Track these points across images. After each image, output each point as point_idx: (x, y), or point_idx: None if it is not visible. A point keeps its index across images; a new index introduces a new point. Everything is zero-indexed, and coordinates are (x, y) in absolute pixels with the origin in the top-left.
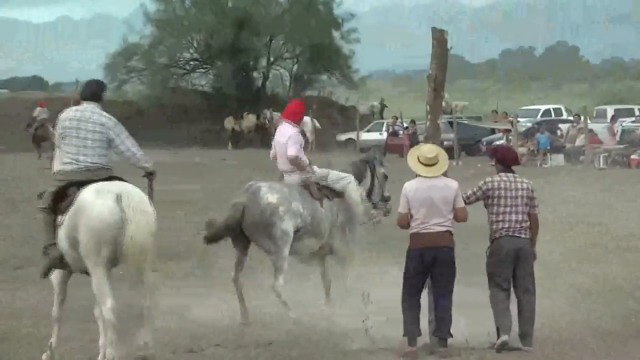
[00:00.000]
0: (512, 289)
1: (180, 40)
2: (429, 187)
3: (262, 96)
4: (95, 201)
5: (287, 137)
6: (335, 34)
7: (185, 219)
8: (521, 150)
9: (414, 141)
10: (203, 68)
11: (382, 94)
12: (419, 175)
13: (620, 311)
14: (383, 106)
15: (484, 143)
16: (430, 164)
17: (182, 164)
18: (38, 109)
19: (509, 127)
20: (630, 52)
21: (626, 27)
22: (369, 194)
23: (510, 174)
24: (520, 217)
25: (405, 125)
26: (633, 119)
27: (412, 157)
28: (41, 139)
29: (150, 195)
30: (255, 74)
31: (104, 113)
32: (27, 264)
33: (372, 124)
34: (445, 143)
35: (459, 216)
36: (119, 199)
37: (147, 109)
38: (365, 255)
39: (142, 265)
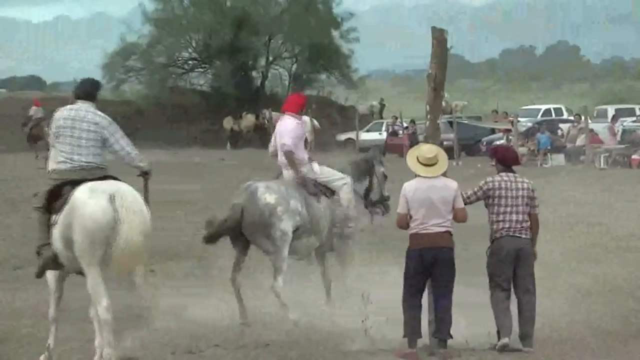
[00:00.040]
0: (512, 289)
1: (178, 40)
2: (429, 187)
3: (261, 96)
4: (89, 201)
5: (288, 129)
6: (335, 34)
7: (185, 219)
8: (521, 150)
9: (413, 141)
10: (202, 67)
11: (382, 94)
12: (419, 176)
13: (620, 311)
14: (382, 106)
15: (484, 143)
16: (429, 164)
17: (182, 164)
18: (33, 107)
19: (509, 127)
20: (631, 51)
21: (626, 27)
22: (368, 193)
23: (510, 174)
24: (520, 217)
25: (405, 125)
26: (634, 118)
27: (412, 157)
28: (36, 138)
29: (146, 194)
30: (254, 73)
31: (99, 112)
32: (27, 264)
33: (371, 123)
34: (445, 143)
35: (459, 217)
36: (112, 198)
37: (146, 109)
38: (365, 255)
39: (134, 266)
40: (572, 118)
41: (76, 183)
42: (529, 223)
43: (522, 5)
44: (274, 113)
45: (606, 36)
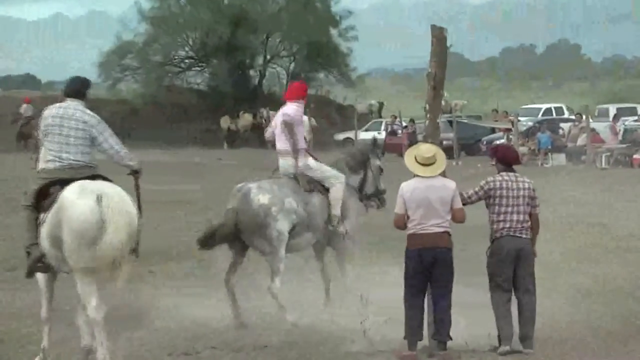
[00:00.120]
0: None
1: (175, 38)
2: (427, 187)
3: (259, 95)
4: (77, 201)
5: (290, 108)
6: (333, 32)
7: (185, 219)
8: (522, 149)
9: (413, 140)
10: (198, 66)
11: (382, 93)
12: (417, 175)
13: (620, 311)
14: (381, 105)
15: (484, 142)
16: (427, 163)
17: (181, 164)
18: (24, 105)
19: (509, 126)
20: (632, 50)
21: (627, 26)
22: (362, 185)
23: (511, 174)
24: (521, 217)
25: (404, 124)
26: (635, 117)
27: (410, 157)
28: (26, 137)
29: (138, 193)
30: (251, 72)
31: (87, 110)
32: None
33: (370, 123)
34: (444, 142)
35: (457, 217)
36: (99, 199)
37: (142, 108)
38: (365, 255)
39: (117, 266)
40: (573, 117)
41: (65, 182)
42: (529, 223)
43: (522, 5)
44: (271, 112)
45: (606, 36)
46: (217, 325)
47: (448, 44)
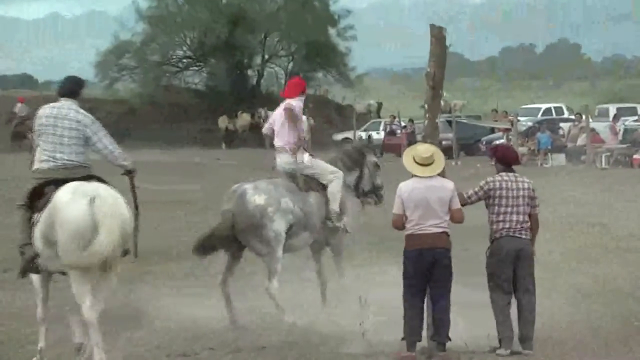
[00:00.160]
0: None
1: (173, 38)
2: (425, 187)
3: (257, 94)
4: (70, 203)
5: (293, 105)
6: (332, 31)
7: (185, 219)
8: (521, 149)
9: (412, 140)
10: (196, 66)
11: (381, 93)
12: (415, 176)
13: (620, 311)
14: (380, 105)
15: (484, 142)
16: (426, 163)
17: (181, 164)
18: (19, 105)
19: (508, 126)
20: (632, 49)
21: (627, 26)
22: (358, 183)
23: (511, 174)
24: (521, 217)
25: (403, 124)
26: (635, 117)
27: (408, 157)
28: (21, 137)
29: (133, 193)
30: (249, 72)
31: (81, 110)
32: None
33: (369, 123)
34: (443, 142)
35: (455, 217)
36: (92, 201)
37: (139, 108)
38: (365, 255)
39: (108, 268)
40: (572, 117)
41: (59, 182)
42: (529, 223)
43: (522, 5)
44: (269, 112)
45: (606, 35)
46: (217, 325)
47: (447, 44)
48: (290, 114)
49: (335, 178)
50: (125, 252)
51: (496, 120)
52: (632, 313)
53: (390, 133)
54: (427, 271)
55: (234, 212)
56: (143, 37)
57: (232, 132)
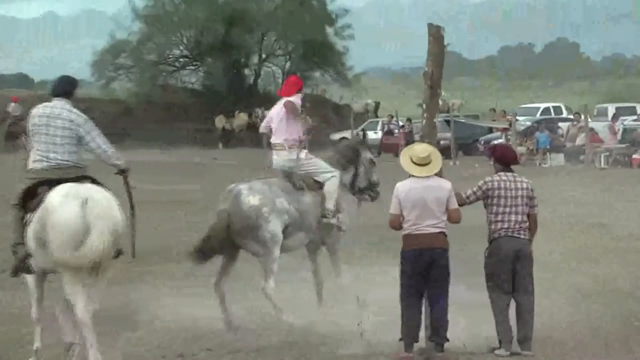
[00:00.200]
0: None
1: (169, 37)
2: (423, 187)
3: (254, 94)
4: (62, 205)
5: (293, 100)
6: (329, 30)
7: (185, 219)
8: (520, 149)
9: (409, 140)
10: (193, 65)
11: (380, 92)
12: (412, 176)
13: (620, 311)
14: (377, 104)
15: (482, 142)
16: (423, 163)
17: (181, 164)
18: (12, 104)
19: (507, 125)
20: (632, 49)
21: (627, 25)
22: (354, 181)
23: (509, 174)
24: (520, 217)
25: (400, 123)
26: (635, 117)
27: (405, 157)
28: (15, 136)
29: (128, 193)
30: (246, 71)
31: (74, 110)
32: None
33: (366, 122)
34: (442, 142)
35: (453, 217)
36: (84, 204)
37: (136, 107)
38: (364, 255)
39: (100, 269)
40: (571, 117)
41: (53, 182)
42: (527, 223)
43: (522, 5)
44: (266, 112)
45: (606, 35)
46: (217, 325)
47: (446, 43)
48: (291, 106)
49: (331, 176)
50: (118, 253)
51: (494, 120)
52: (632, 313)
53: (388, 132)
54: (424, 271)
55: (230, 212)
56: (139, 37)
57: (229, 132)
